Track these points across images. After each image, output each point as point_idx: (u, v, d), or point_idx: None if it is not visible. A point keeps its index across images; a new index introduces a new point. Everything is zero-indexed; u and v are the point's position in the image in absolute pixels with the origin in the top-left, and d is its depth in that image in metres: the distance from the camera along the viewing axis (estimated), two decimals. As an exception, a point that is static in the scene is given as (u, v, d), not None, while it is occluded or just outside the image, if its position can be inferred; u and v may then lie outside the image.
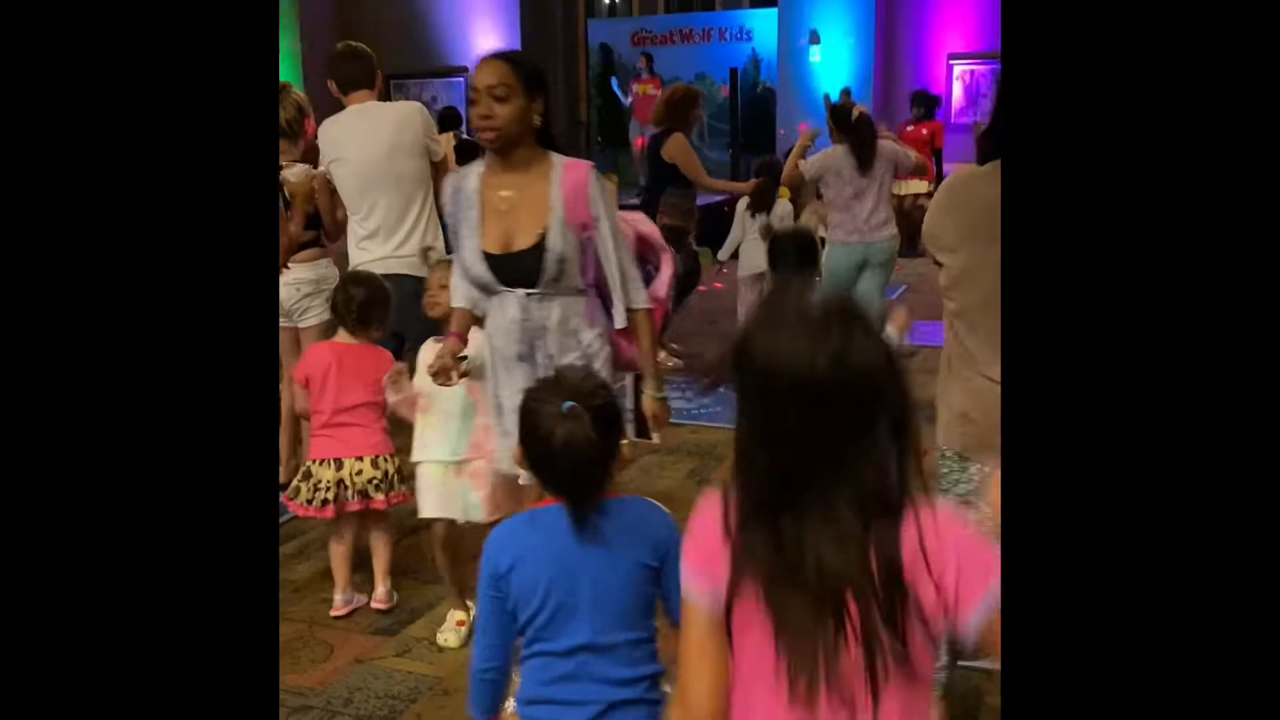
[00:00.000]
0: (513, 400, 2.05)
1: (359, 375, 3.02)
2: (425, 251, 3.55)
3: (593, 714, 1.59)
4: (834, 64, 11.44)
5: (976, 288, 2.06)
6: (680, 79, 12.68)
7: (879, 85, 11.41)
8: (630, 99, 12.38)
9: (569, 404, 1.57)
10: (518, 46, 12.63)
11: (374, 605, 3.08)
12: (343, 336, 3.10)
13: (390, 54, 12.80)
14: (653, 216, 5.89)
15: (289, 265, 3.77)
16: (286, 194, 2.98)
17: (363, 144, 3.59)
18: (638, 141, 11.83)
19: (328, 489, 2.96)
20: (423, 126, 3.65)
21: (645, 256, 2.70)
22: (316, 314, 3.88)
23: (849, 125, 4.88)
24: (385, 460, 3.03)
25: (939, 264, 2.18)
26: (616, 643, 1.60)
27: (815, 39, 11.51)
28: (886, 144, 5.05)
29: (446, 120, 8.57)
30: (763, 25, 12.91)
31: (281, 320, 3.93)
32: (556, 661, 1.61)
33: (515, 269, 2.35)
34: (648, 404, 2.48)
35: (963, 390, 2.13)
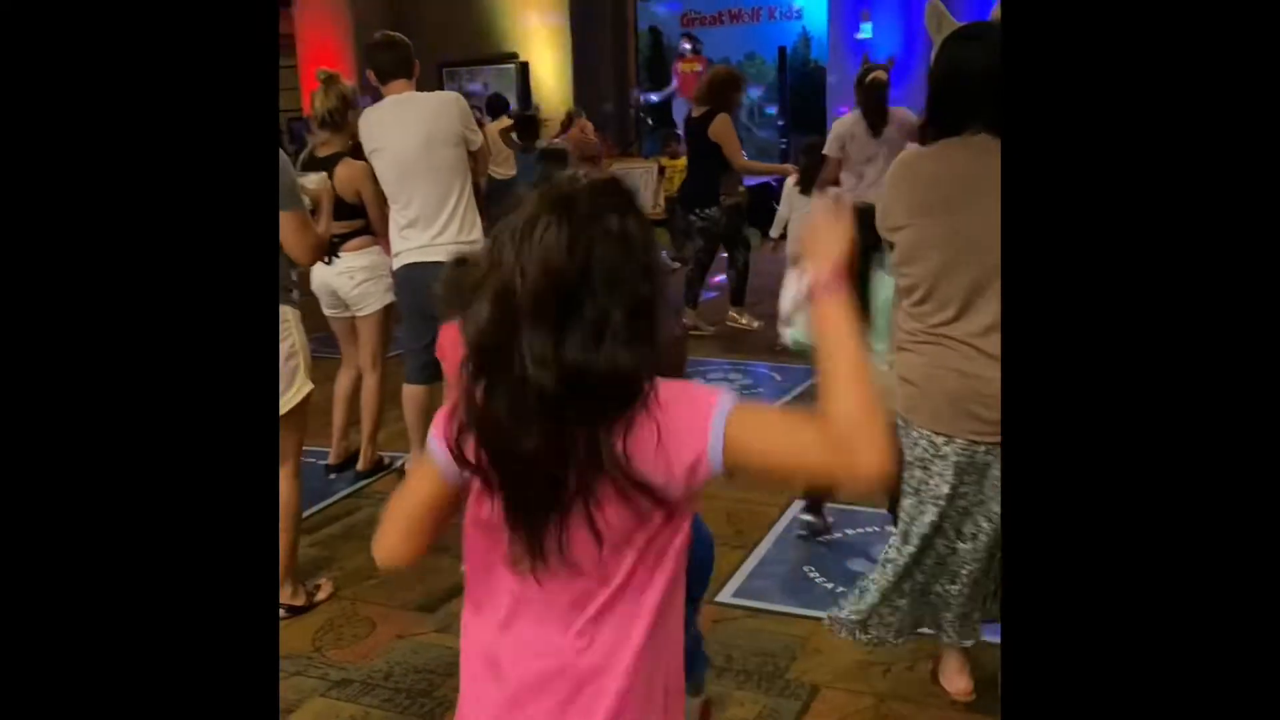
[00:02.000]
0: None
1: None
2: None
3: None
4: (886, 41, 11.27)
5: (926, 260, 2.21)
6: (729, 59, 12.62)
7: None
8: (675, 80, 12.33)
9: None
10: (567, 32, 12.67)
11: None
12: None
13: (441, 42, 12.90)
14: (697, 193, 5.92)
15: (339, 255, 3.86)
16: (309, 200, 3.05)
17: (400, 134, 3.64)
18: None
19: None
20: (459, 116, 3.69)
21: None
22: (375, 301, 3.97)
23: (861, 86, 5.06)
24: None
25: (890, 245, 2.30)
26: None
27: (867, 16, 11.35)
28: (898, 113, 5.14)
29: (496, 107, 8.66)
30: (813, 3, 12.76)
31: (339, 310, 4.04)
32: None
33: None
34: None
35: (905, 357, 2.30)
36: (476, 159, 3.76)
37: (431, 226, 3.66)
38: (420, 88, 3.82)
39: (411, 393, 3.83)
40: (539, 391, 1.08)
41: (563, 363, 1.08)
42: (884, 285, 3.06)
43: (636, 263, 1.11)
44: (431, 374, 3.91)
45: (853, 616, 2.44)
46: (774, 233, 5.92)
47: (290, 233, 2.80)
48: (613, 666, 1.17)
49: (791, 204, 5.73)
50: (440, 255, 3.65)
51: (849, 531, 3.45)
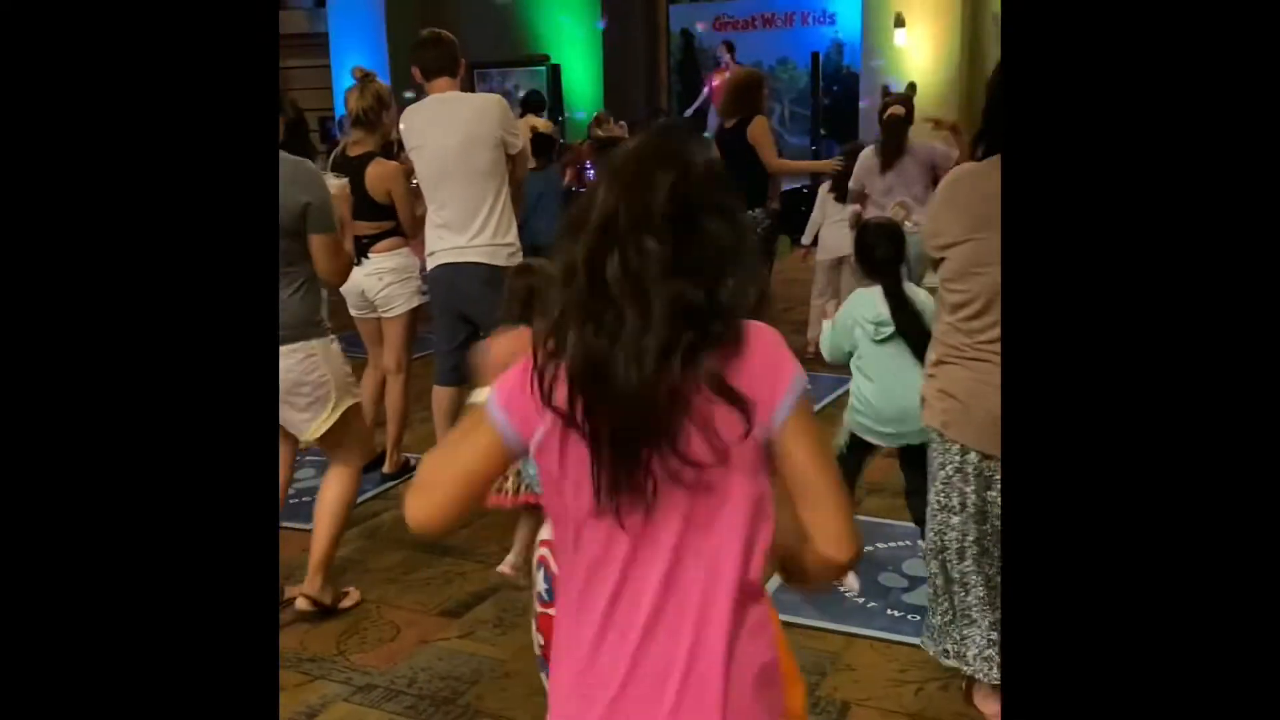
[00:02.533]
0: None
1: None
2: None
3: None
4: (919, 47, 11.20)
5: (982, 276, 2.17)
6: (761, 64, 12.59)
7: (965, 69, 11.14)
8: (708, 90, 12.28)
9: None
10: (599, 35, 12.68)
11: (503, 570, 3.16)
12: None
13: (473, 43, 12.95)
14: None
15: (369, 255, 3.85)
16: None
17: (440, 134, 3.63)
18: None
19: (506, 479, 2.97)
20: (499, 119, 3.66)
21: None
22: (401, 304, 3.95)
23: (881, 121, 5.20)
24: None
25: (937, 262, 2.27)
26: None
27: (900, 22, 11.28)
28: (924, 148, 5.18)
29: (531, 104, 8.64)
30: (846, 8, 12.71)
31: (365, 311, 4.03)
32: None
33: None
34: None
35: (950, 371, 2.27)
36: (515, 162, 3.73)
37: (468, 228, 3.64)
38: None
39: (441, 394, 3.82)
40: (644, 322, 1.10)
41: (672, 292, 1.10)
42: (914, 296, 3.04)
43: (730, 205, 1.17)
44: (462, 376, 3.89)
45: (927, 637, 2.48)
46: (805, 239, 5.84)
47: (324, 256, 2.79)
48: (709, 617, 1.17)
49: (825, 210, 5.67)
50: (475, 256, 3.64)
51: (880, 545, 3.40)
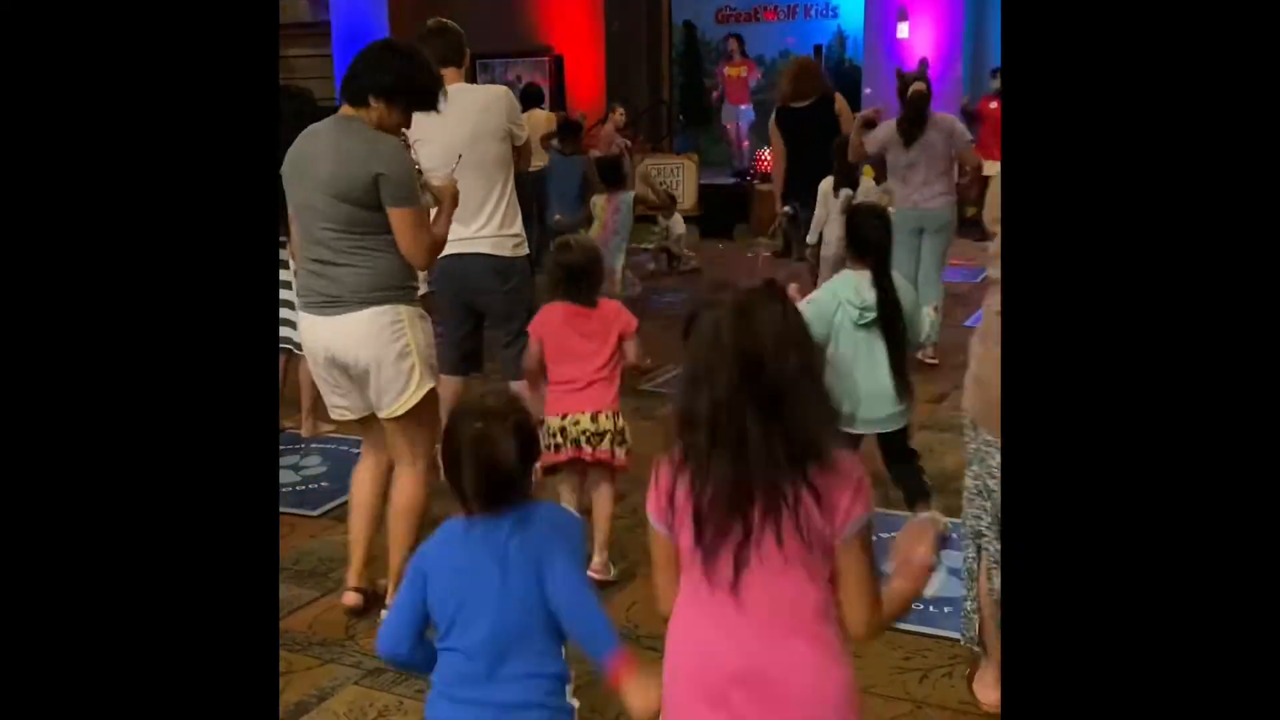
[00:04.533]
0: None
1: (584, 335, 3.06)
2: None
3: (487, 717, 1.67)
4: (923, 40, 11.19)
5: None
6: (764, 56, 12.56)
7: (969, 61, 11.13)
8: (720, 82, 12.25)
9: (479, 424, 1.68)
10: (601, 25, 12.65)
11: (591, 574, 3.11)
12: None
13: (475, 33, 12.89)
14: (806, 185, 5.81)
15: None
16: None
17: (446, 126, 3.61)
18: (730, 126, 11.74)
19: (553, 436, 3.03)
20: (507, 111, 3.69)
21: None
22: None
23: (903, 98, 5.16)
24: (607, 417, 3.06)
25: (991, 236, 2.23)
26: (516, 651, 1.68)
27: (904, 15, 11.26)
28: (945, 120, 5.23)
29: (529, 97, 8.65)
30: (849, 1, 12.68)
31: None
32: (460, 661, 1.71)
33: None
34: None
35: (982, 356, 2.23)
36: (520, 154, 3.76)
37: (475, 219, 3.65)
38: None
39: (447, 384, 3.83)
40: (762, 456, 1.37)
41: (786, 434, 1.37)
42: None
43: (815, 356, 1.43)
44: (469, 366, 3.91)
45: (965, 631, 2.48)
46: (810, 238, 5.70)
47: (405, 231, 2.71)
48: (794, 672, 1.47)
49: (828, 206, 5.61)
50: (482, 247, 3.66)
51: (882, 535, 3.42)
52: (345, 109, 2.80)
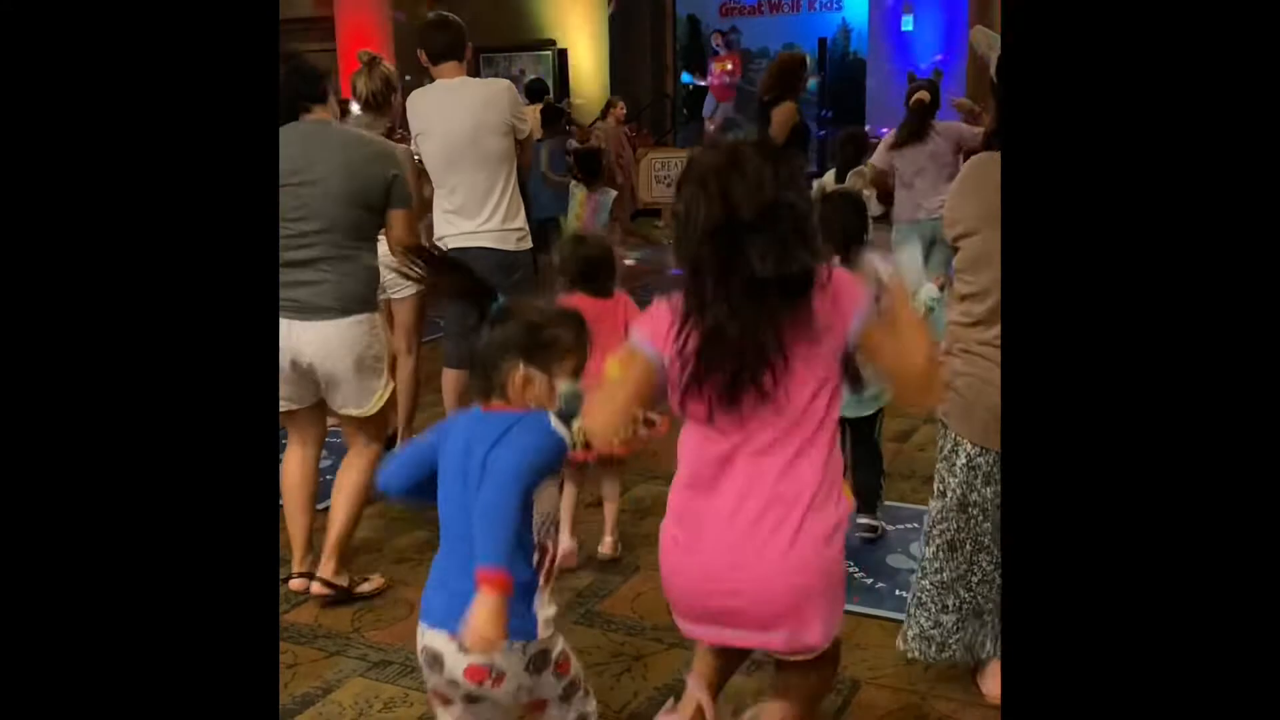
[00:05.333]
0: None
1: (607, 328, 3.08)
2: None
3: (451, 604, 1.68)
4: (927, 34, 11.17)
5: (989, 270, 2.14)
6: (768, 50, 12.55)
7: (973, 54, 11.10)
8: (710, 78, 12.26)
9: (499, 309, 1.81)
10: (605, 20, 12.64)
11: (601, 552, 3.21)
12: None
13: (479, 27, 12.87)
14: None
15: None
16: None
17: (449, 119, 3.62)
18: (708, 120, 11.76)
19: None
20: (509, 105, 3.68)
21: None
22: (409, 286, 3.96)
23: (907, 106, 5.19)
24: None
25: (955, 248, 2.26)
26: (487, 540, 1.67)
27: (908, 8, 11.24)
28: (951, 127, 5.23)
29: (534, 92, 8.66)
30: (854, -6, 12.67)
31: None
32: (444, 547, 1.79)
33: None
34: None
35: (954, 363, 2.27)
36: (523, 147, 3.76)
37: (478, 214, 3.66)
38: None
39: (451, 377, 3.84)
40: (759, 282, 1.52)
41: (780, 259, 1.51)
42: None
43: (801, 187, 1.60)
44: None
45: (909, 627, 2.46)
46: None
47: (403, 229, 2.82)
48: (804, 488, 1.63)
49: None
50: (486, 241, 3.65)
51: (889, 527, 3.42)
52: (317, 112, 2.84)
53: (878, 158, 5.34)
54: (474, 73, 4.22)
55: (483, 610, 1.58)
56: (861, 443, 3.27)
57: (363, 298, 2.83)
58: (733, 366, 1.57)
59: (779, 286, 1.53)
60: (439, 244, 3.76)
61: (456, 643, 1.69)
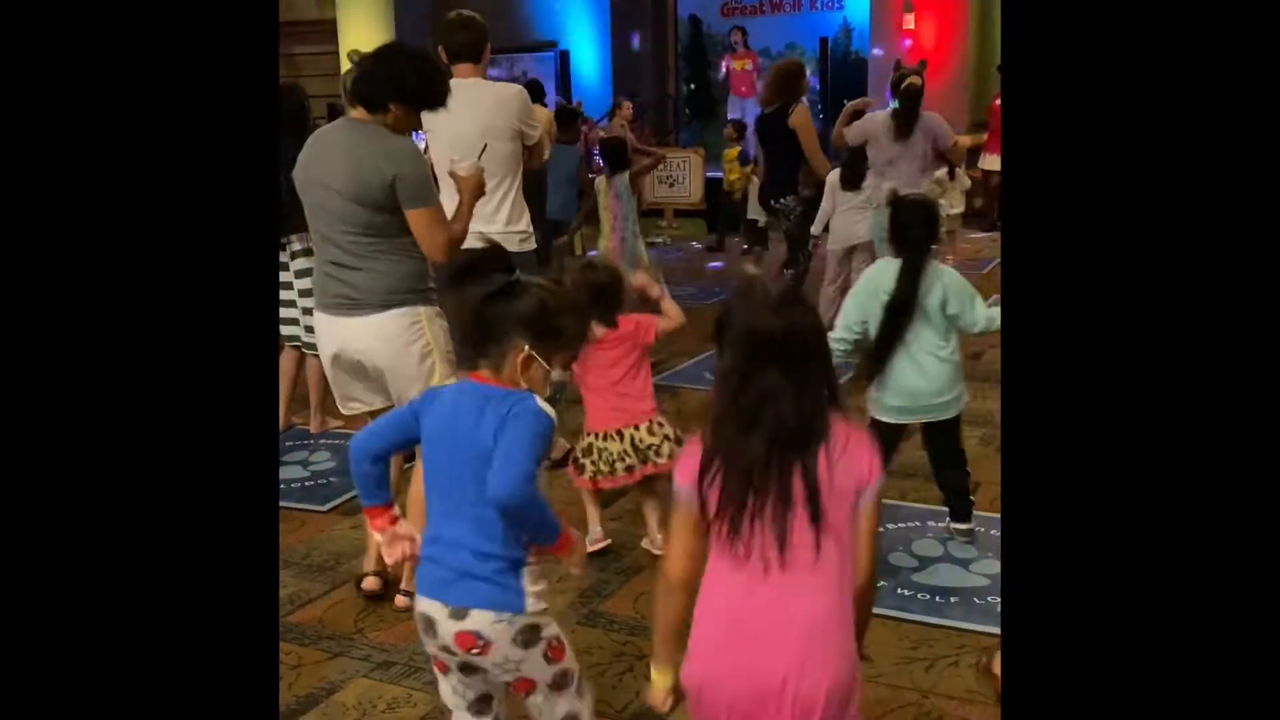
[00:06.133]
0: None
1: (614, 354, 3.16)
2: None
3: (445, 575, 1.77)
4: (929, 32, 11.15)
5: None
6: (770, 49, 12.54)
7: (975, 53, 11.09)
8: (725, 75, 12.24)
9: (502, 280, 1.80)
10: (608, 20, 12.64)
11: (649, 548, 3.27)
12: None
13: (481, 29, 12.83)
14: (777, 185, 5.87)
15: None
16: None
17: (458, 122, 3.62)
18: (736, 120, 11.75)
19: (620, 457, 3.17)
20: (518, 111, 3.70)
21: None
22: None
23: (897, 92, 5.13)
24: (658, 426, 3.20)
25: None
26: (480, 515, 1.73)
27: (909, 6, 11.23)
28: (932, 117, 5.19)
29: (531, 93, 8.67)
30: (855, -7, 12.65)
31: None
32: (435, 519, 1.81)
33: None
34: None
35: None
36: (532, 153, 3.79)
37: (482, 215, 3.67)
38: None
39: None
40: (784, 430, 1.56)
41: (801, 409, 1.57)
42: (939, 276, 3.04)
43: (820, 338, 1.66)
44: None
45: None
46: (815, 229, 5.77)
47: (423, 230, 2.75)
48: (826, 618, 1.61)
49: (835, 199, 5.64)
50: (484, 244, 3.67)
51: (889, 526, 3.43)
52: (358, 112, 2.80)
53: (853, 136, 5.28)
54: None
55: (577, 555, 1.82)
56: (940, 457, 3.25)
57: (400, 292, 2.78)
58: (757, 497, 1.58)
59: (808, 430, 1.58)
60: None
61: (448, 610, 1.75)
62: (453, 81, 3.68)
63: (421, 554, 1.84)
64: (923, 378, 3.04)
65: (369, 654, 2.75)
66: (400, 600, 2.96)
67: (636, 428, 3.17)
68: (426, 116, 3.69)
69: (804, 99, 5.62)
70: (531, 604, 1.77)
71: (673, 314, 3.25)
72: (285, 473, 4.01)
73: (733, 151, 9.38)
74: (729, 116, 11.99)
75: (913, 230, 3.03)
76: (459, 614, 1.74)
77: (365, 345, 2.79)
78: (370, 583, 3.02)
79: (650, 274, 4.76)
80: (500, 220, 3.71)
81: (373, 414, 2.96)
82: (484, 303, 1.79)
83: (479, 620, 1.74)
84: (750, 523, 1.58)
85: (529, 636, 1.78)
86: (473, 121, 3.61)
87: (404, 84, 2.77)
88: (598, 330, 3.12)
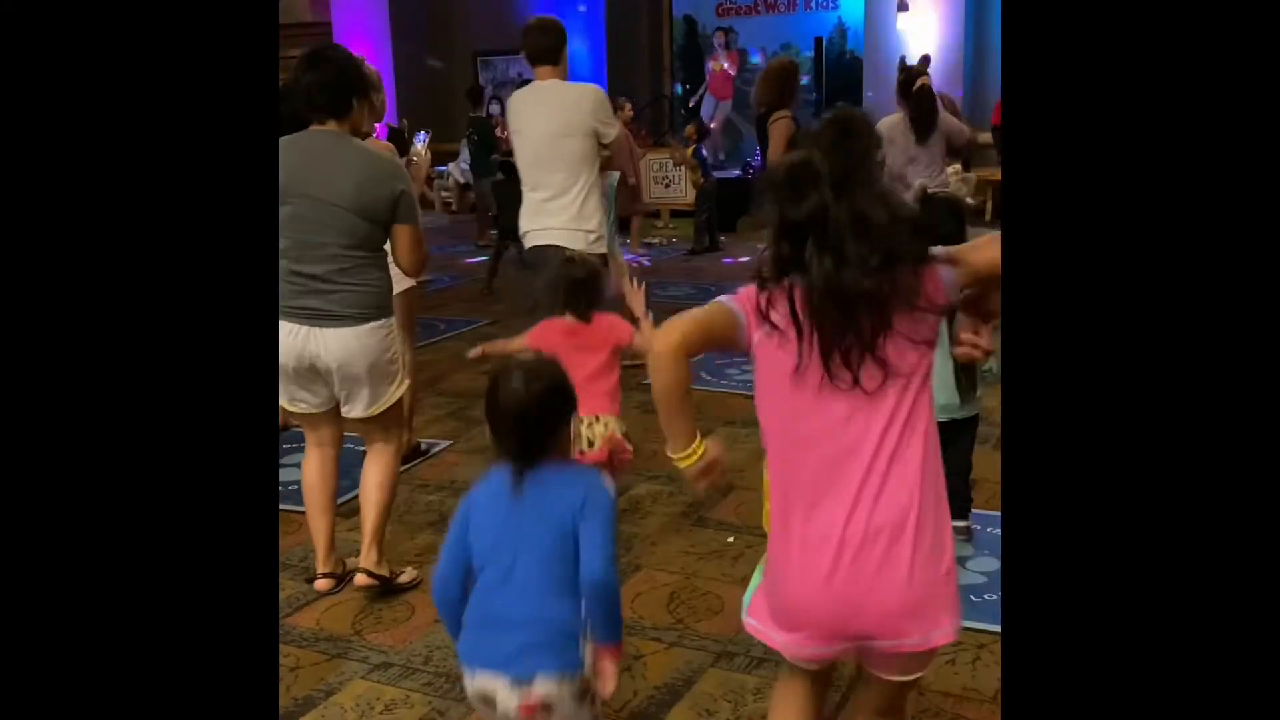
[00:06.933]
0: None
1: (578, 349, 3.12)
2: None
3: (506, 652, 1.76)
4: (923, 33, 11.16)
5: None
6: (765, 49, 12.55)
7: (970, 55, 11.11)
8: (708, 77, 12.27)
9: (520, 375, 1.81)
10: (603, 21, 12.65)
11: None
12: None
13: (476, 30, 12.90)
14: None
15: None
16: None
17: (536, 120, 3.89)
18: (711, 123, 11.78)
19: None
20: (592, 110, 3.89)
21: None
22: (400, 281, 4.01)
23: (910, 94, 5.07)
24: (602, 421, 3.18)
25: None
26: (533, 593, 1.77)
27: (904, 6, 11.24)
28: (945, 117, 5.20)
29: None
30: (850, -7, 12.66)
31: None
32: (486, 596, 1.81)
33: None
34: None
35: None
36: (610, 149, 3.99)
37: (555, 211, 3.88)
38: (456, 76, 3.97)
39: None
40: (863, 254, 1.50)
41: (883, 232, 1.50)
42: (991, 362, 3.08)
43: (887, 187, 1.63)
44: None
45: None
46: None
47: (407, 246, 2.92)
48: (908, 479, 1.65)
49: None
50: (558, 239, 3.87)
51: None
52: (329, 124, 2.87)
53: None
54: (473, 76, 4.39)
55: (613, 671, 1.82)
56: (948, 460, 3.25)
57: (379, 304, 2.91)
58: (838, 322, 1.53)
59: (886, 248, 1.52)
60: (524, 239, 4.05)
61: (508, 681, 1.75)
62: (534, 84, 3.95)
63: (469, 625, 1.83)
64: (941, 379, 3.06)
65: (367, 656, 2.75)
66: (360, 579, 3.00)
67: (582, 419, 3.12)
68: (513, 117, 3.93)
69: (789, 109, 5.48)
70: (589, 657, 1.79)
71: (648, 341, 3.20)
72: (284, 475, 4.02)
73: (688, 151, 9.76)
74: (702, 115, 12.02)
75: (943, 226, 3.04)
76: (522, 682, 1.74)
77: (345, 355, 2.87)
78: (322, 583, 3.08)
79: (620, 275, 4.79)
80: (567, 215, 3.88)
81: (310, 417, 3.04)
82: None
83: (544, 686, 1.75)
84: (835, 356, 1.54)
85: (585, 690, 1.79)
86: (548, 121, 3.85)
87: (353, 81, 2.91)
88: (571, 323, 3.11)
